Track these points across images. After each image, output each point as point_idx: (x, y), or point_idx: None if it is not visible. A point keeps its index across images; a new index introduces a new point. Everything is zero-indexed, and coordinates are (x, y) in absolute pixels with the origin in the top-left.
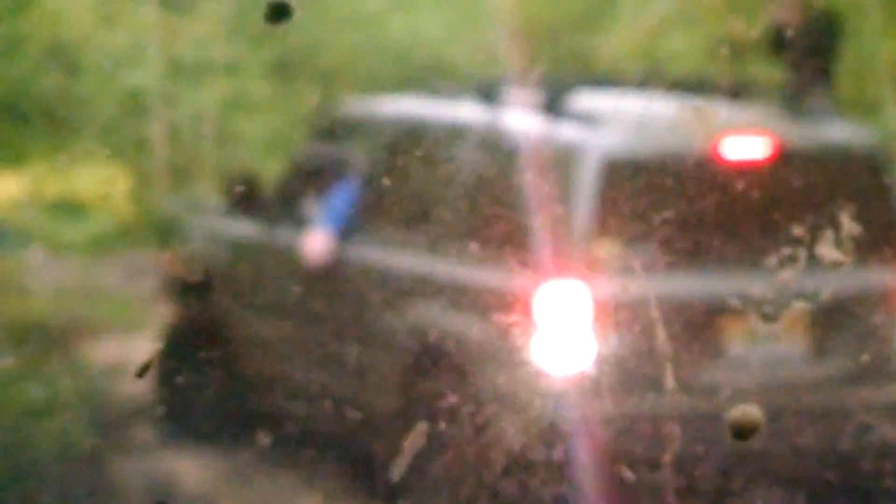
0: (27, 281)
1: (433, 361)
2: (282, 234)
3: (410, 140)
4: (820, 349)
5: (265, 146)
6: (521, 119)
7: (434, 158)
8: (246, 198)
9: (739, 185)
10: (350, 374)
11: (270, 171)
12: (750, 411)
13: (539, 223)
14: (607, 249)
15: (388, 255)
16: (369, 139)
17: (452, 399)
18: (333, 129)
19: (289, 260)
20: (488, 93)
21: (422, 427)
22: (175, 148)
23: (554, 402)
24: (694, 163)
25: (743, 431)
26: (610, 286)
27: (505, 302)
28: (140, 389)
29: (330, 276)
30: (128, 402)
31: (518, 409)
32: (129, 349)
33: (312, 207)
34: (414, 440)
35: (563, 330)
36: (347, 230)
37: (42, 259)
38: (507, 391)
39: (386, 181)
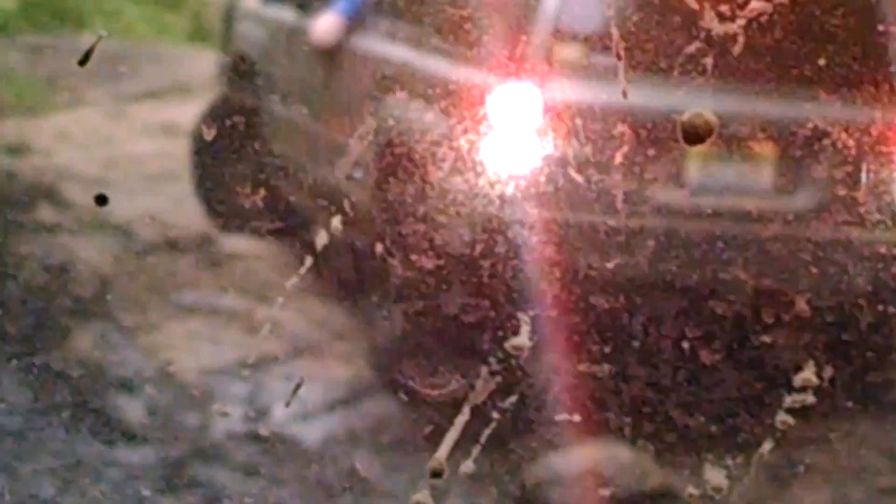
0: None
1: (397, 157)
2: (311, 20)
3: None
4: (787, 183)
5: None
6: None
7: None
8: None
9: None
10: (334, 164)
11: None
12: (703, 114)
13: (503, 20)
14: (571, 52)
15: (381, 47)
16: None
17: (407, 196)
18: None
19: (309, 46)
20: None
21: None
22: None
23: (501, 202)
24: None
25: (695, 134)
26: (569, 90)
27: (463, 100)
28: (40, 170)
29: (333, 64)
30: (29, 181)
31: (466, 208)
32: (31, 129)
33: None
34: None
35: (516, 132)
36: (357, 17)
37: None
38: (458, 190)
39: None
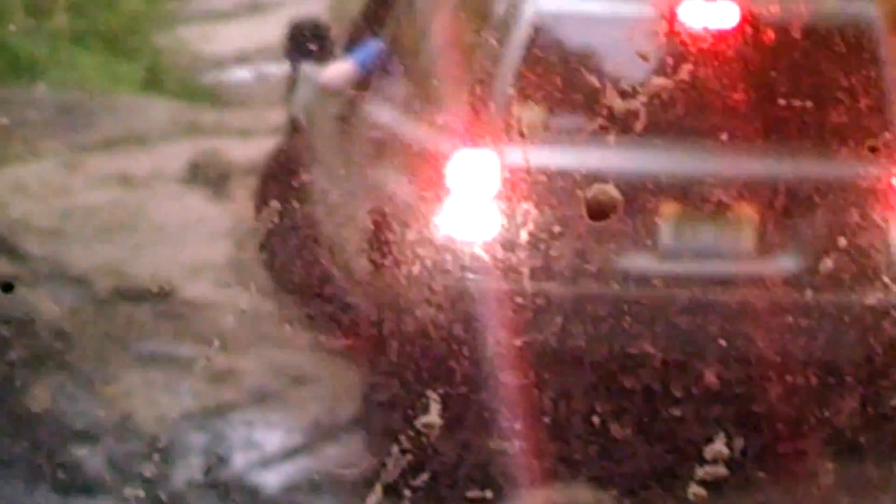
0: None
1: (376, 222)
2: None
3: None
4: (767, 245)
5: None
6: None
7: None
8: (312, 44)
9: (692, 54)
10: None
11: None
12: (607, 190)
13: (465, 83)
14: (532, 115)
15: (378, 109)
16: None
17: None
18: None
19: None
20: None
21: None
22: None
23: (460, 269)
24: (640, 26)
25: (599, 211)
26: (530, 154)
27: (426, 165)
28: None
29: (345, 128)
30: None
31: (424, 274)
32: None
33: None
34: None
35: (475, 198)
36: (371, 69)
37: None
38: (418, 254)
39: (388, 40)
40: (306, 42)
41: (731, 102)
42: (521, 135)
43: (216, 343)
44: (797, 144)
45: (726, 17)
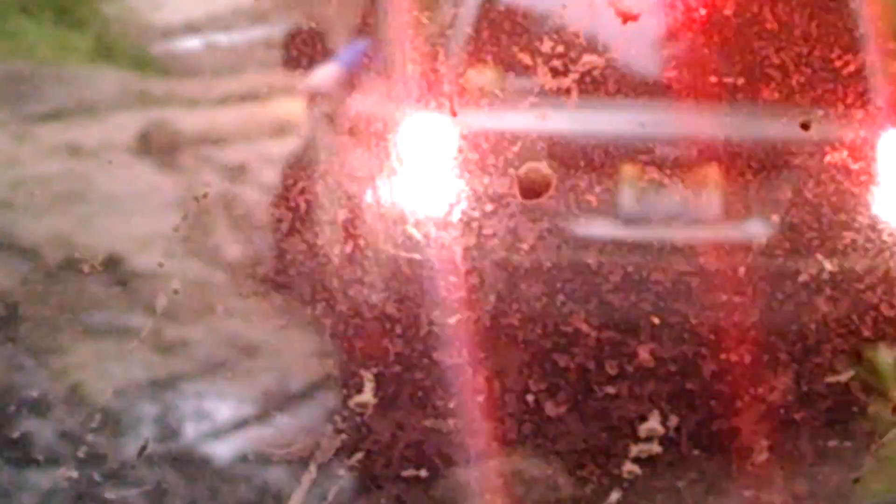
0: None
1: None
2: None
3: None
4: (735, 209)
5: None
6: None
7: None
8: (310, 50)
9: (654, 9)
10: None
11: None
12: (539, 168)
13: (414, 45)
14: (486, 77)
15: (359, 101)
16: None
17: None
18: None
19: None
20: None
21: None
22: None
23: (414, 241)
24: None
25: (532, 189)
26: (486, 119)
27: (381, 135)
28: None
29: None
30: None
31: (384, 245)
32: None
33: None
34: None
35: (428, 166)
36: (355, 67)
37: None
38: (369, 227)
39: (373, 38)
40: (302, 51)
41: (704, 59)
42: (475, 99)
43: (166, 313)
44: (765, 104)
45: None
